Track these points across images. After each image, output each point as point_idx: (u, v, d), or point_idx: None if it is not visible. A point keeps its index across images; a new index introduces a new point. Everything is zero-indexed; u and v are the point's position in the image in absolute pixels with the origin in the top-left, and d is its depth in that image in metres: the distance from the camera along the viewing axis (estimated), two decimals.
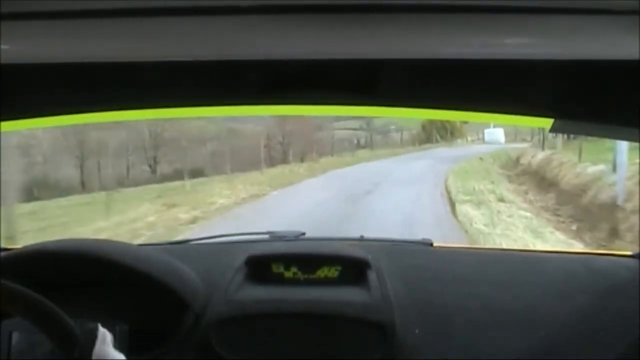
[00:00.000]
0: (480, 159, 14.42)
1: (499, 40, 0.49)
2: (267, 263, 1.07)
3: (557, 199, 7.53)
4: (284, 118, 14.49)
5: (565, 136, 10.17)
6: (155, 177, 12.60)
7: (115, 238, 3.92)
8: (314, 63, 0.62)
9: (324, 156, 16.45)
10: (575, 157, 8.93)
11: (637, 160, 6.15)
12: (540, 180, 9.21)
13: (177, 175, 11.63)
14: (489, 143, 18.38)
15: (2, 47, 0.48)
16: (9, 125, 0.85)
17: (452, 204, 7.59)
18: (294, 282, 1.05)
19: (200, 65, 0.64)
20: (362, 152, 19.16)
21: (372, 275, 1.03)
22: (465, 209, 7.09)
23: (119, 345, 0.86)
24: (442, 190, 9.06)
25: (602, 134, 0.91)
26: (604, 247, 4.85)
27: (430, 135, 22.94)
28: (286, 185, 10.59)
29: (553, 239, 5.51)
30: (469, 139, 23.89)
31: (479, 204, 7.46)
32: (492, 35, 0.48)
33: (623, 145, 6.16)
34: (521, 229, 6.01)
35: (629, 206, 5.53)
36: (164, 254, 1.06)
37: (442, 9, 0.45)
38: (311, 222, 6.18)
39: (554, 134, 9.22)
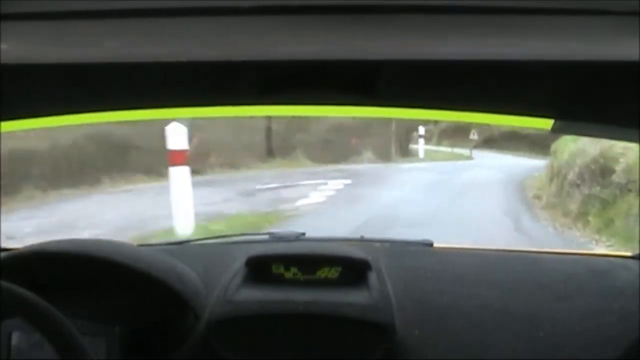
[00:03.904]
0: None
1: (500, 41, 0.49)
2: (267, 263, 1.07)
3: None
4: None
5: None
6: None
7: None
8: (314, 64, 0.62)
9: None
10: None
11: None
12: None
13: None
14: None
15: (2, 47, 0.48)
16: (9, 126, 0.85)
17: None
18: (294, 282, 1.05)
19: (200, 65, 0.64)
20: None
21: (372, 276, 1.03)
22: None
23: (119, 345, 0.86)
24: None
25: (602, 135, 0.91)
26: None
27: None
28: None
29: None
30: None
31: None
32: (492, 36, 0.48)
33: None
34: None
35: None
36: (164, 255, 1.06)
37: (442, 10, 0.45)
38: None
39: None
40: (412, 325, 0.95)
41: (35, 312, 0.64)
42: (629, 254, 1.22)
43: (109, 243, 1.04)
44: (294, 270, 1.06)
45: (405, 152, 16.48)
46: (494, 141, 19.63)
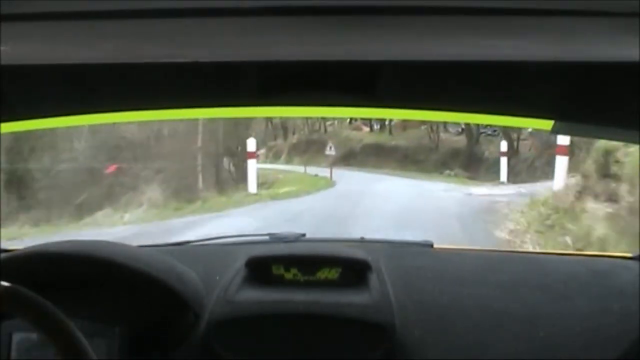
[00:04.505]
0: None
1: (500, 42, 0.49)
2: (267, 264, 1.07)
3: None
4: None
5: None
6: None
7: None
8: (314, 65, 0.62)
9: None
10: None
11: None
12: None
13: None
14: None
15: (2, 48, 0.48)
16: (9, 127, 0.85)
17: None
18: (294, 283, 1.05)
19: (200, 66, 0.64)
20: None
21: (372, 277, 1.03)
22: None
23: (119, 346, 0.86)
24: None
25: (602, 135, 0.91)
26: None
27: None
28: None
29: None
30: None
31: None
32: (493, 37, 0.48)
33: None
34: None
35: None
36: (164, 255, 1.06)
37: (442, 11, 0.45)
38: None
39: None
40: (412, 325, 0.95)
41: (36, 312, 0.64)
42: (629, 254, 1.22)
43: (109, 243, 1.04)
44: (294, 271, 1.06)
45: (229, 180, 9.95)
46: (354, 156, 15.39)
